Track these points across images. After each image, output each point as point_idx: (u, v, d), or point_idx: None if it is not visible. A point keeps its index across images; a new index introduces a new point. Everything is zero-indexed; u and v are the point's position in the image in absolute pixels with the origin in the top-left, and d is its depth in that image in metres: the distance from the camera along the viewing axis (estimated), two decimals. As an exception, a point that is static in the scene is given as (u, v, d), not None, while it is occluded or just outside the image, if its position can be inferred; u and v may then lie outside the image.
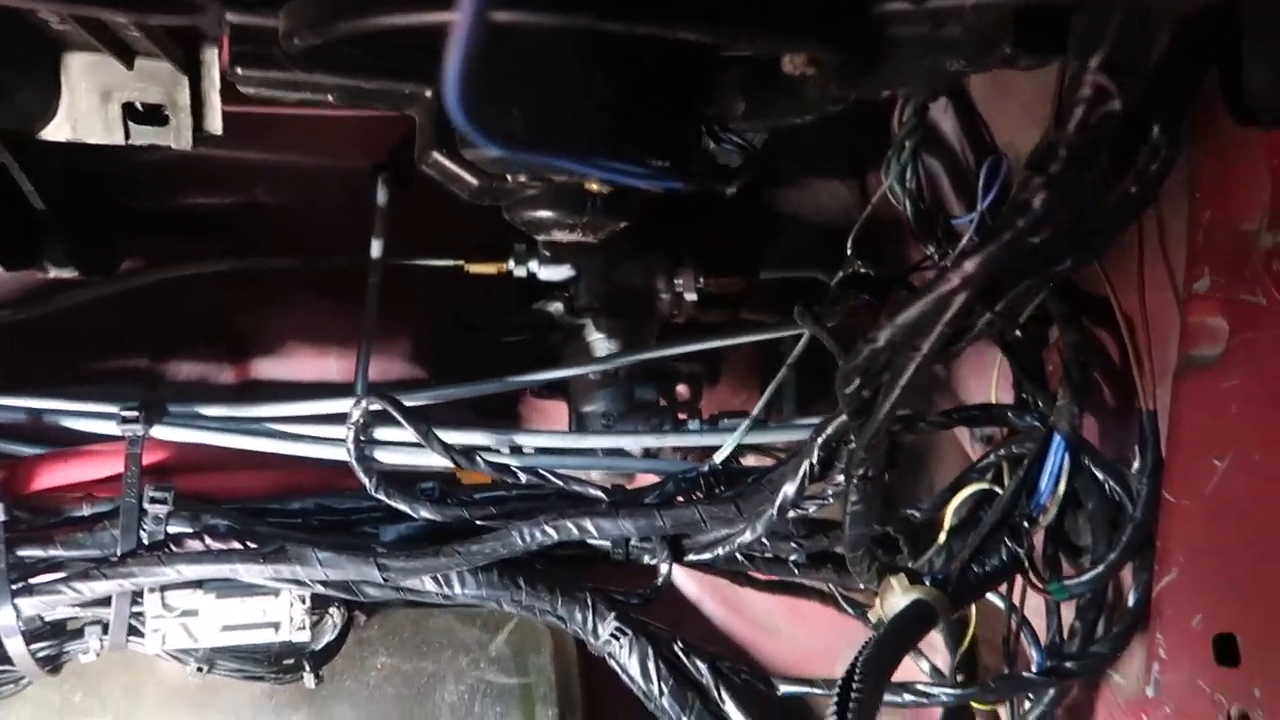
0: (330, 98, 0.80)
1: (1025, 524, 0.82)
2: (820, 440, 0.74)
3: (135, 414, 0.78)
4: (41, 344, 1.13)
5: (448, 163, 0.77)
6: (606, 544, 0.87)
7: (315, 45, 0.72)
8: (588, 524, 0.78)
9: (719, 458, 0.87)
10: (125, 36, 0.81)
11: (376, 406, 0.78)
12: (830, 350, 0.95)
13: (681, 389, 1.16)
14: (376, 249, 1.07)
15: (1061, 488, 0.84)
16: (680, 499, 0.86)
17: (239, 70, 0.73)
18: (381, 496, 0.79)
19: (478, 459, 0.79)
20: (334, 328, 1.27)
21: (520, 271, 1.08)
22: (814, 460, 0.75)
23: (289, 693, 0.93)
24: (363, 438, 0.80)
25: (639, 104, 0.70)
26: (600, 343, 1.04)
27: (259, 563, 0.74)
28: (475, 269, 1.10)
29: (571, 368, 1.00)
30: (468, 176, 0.78)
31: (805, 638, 1.15)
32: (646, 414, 1.04)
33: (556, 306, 1.07)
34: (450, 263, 1.11)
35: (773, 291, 1.20)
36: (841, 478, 0.78)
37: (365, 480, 0.79)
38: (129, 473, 0.76)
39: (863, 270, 1.03)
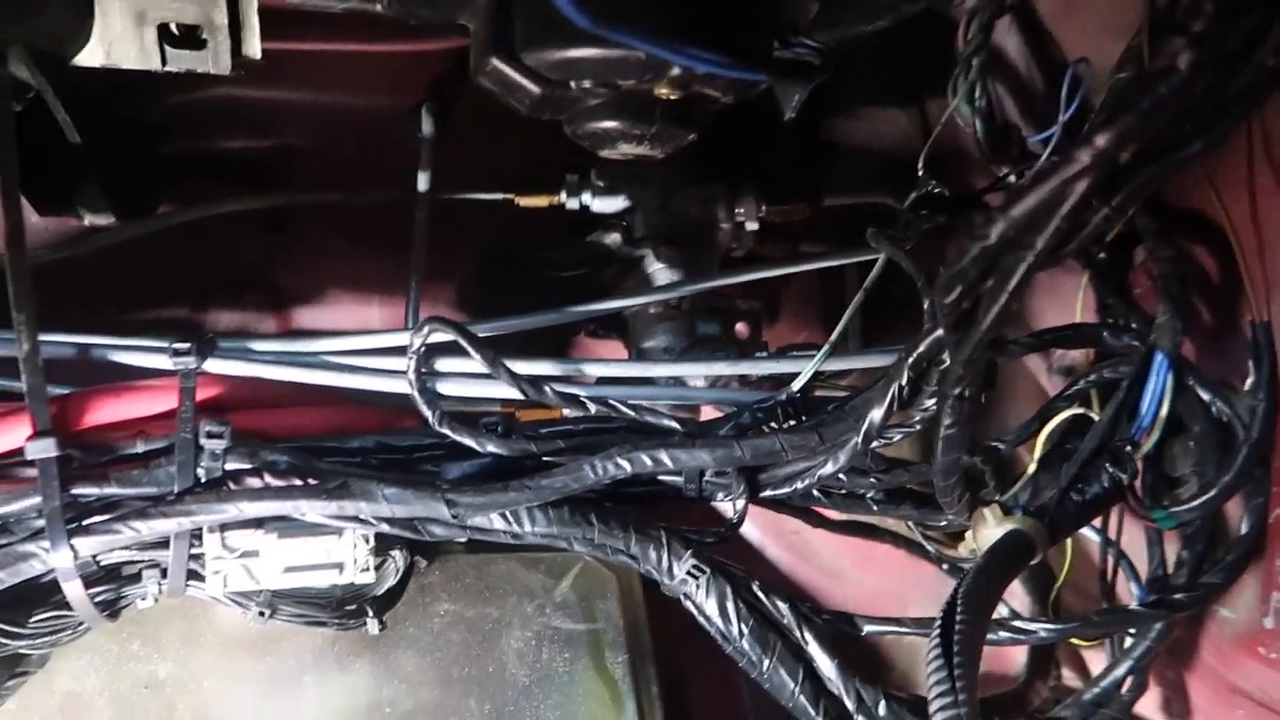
0: (380, 8, 0.76)
1: (1128, 449, 0.76)
2: (911, 360, 0.69)
3: (188, 347, 0.74)
4: (79, 293, 1.10)
5: (508, 70, 0.72)
6: (679, 480, 0.82)
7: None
8: (663, 455, 0.74)
9: (797, 385, 0.82)
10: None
11: (441, 336, 0.74)
12: (909, 273, 0.89)
13: (741, 327, 1.11)
14: (423, 182, 1.02)
15: (1164, 410, 0.79)
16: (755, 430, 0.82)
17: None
18: (446, 431, 0.75)
19: (546, 389, 0.74)
20: (375, 275, 1.23)
21: (573, 204, 1.04)
22: (903, 382, 0.69)
23: (351, 640, 0.90)
24: (424, 369, 0.76)
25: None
26: (661, 273, 0.99)
27: (322, 499, 0.70)
28: (525, 202, 1.05)
29: (634, 298, 0.95)
30: (529, 84, 0.73)
31: (874, 582, 1.11)
32: (710, 348, 0.99)
33: (614, 238, 1.02)
34: (499, 196, 1.06)
35: (832, 225, 1.15)
36: (930, 402, 0.73)
37: (428, 413, 0.74)
38: (183, 407, 0.72)
39: (936, 190, 0.97)
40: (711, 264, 1.04)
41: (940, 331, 0.66)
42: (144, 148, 1.14)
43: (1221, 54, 0.50)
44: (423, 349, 0.74)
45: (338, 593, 0.81)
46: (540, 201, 1.04)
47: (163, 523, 0.68)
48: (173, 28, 0.80)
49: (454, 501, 0.71)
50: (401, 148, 1.09)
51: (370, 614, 0.84)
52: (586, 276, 1.05)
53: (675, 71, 0.69)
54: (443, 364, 0.80)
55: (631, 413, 0.75)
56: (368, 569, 0.77)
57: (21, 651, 0.75)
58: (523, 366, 0.83)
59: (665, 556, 0.79)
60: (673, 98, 0.74)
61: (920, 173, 0.98)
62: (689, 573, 0.79)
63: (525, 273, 1.07)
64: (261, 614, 0.78)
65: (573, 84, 0.73)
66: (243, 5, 0.83)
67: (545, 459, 0.79)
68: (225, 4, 0.82)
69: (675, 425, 0.76)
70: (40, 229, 1.12)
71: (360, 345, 0.86)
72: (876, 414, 0.71)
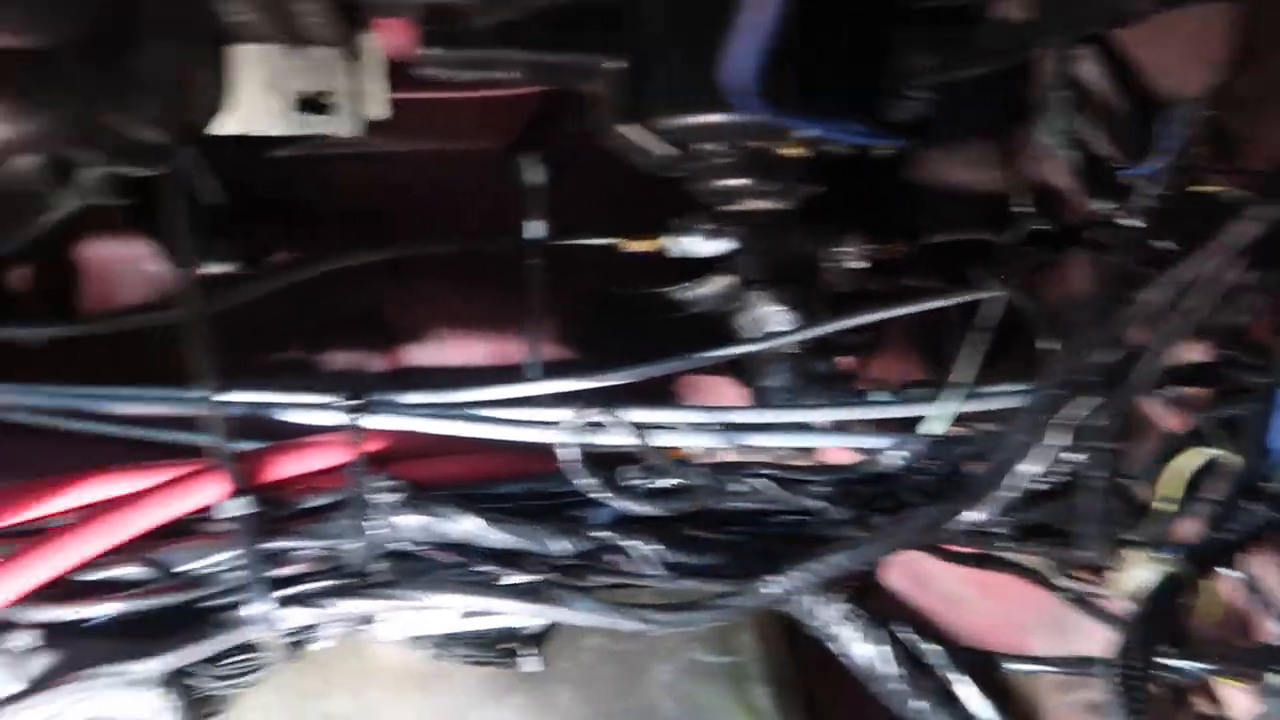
0: (511, 74, 0.79)
1: (1268, 485, 0.78)
2: (1057, 422, 0.71)
3: (356, 404, 0.78)
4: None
5: (636, 135, 0.75)
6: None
7: (506, 22, 0.71)
8: (841, 559, 0.76)
9: (936, 429, 0.84)
10: (302, 23, 0.80)
11: (597, 418, 0.77)
12: (1028, 313, 0.92)
13: (844, 362, 1.14)
14: (534, 230, 1.05)
15: (1297, 444, 0.80)
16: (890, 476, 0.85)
17: (428, 50, 0.72)
18: (598, 496, 0.78)
19: (693, 468, 0.78)
20: (477, 313, 1.27)
21: (676, 249, 1.06)
22: (1053, 440, 0.72)
23: (508, 676, 0.93)
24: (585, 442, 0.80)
25: (848, 63, 0.68)
26: (775, 315, 1.01)
27: (519, 600, 0.74)
28: (631, 247, 1.08)
29: (756, 342, 0.98)
30: (658, 148, 0.76)
31: (992, 609, 1.13)
32: (826, 386, 1.02)
33: (725, 281, 1.04)
34: (605, 241, 1.09)
35: (932, 257, 1.17)
36: (1072, 453, 0.75)
37: (580, 482, 0.78)
38: (355, 461, 0.76)
39: (1040, 227, 0.99)
40: (820, 302, 1.06)
41: (1087, 392, 0.68)
42: (263, 198, 1.18)
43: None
44: (581, 426, 0.77)
45: (496, 633, 0.84)
46: (645, 246, 1.07)
47: (369, 604, 0.72)
48: (303, 94, 0.84)
49: (649, 619, 0.74)
50: (507, 189, 1.12)
51: (530, 651, 0.87)
52: (698, 318, 1.08)
53: (802, 133, 0.72)
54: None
55: (779, 488, 0.78)
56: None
57: (214, 693, 0.78)
58: (642, 415, 0.86)
59: (816, 602, 0.82)
60: (800, 155, 0.76)
61: (1018, 208, 1.00)
62: (836, 616, 0.81)
63: (638, 318, 1.10)
64: (435, 655, 0.82)
65: (701, 146, 0.76)
66: (369, 71, 0.87)
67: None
68: (354, 71, 0.85)
69: (819, 504, 0.79)
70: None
71: (491, 397, 0.89)
72: (1028, 468, 0.73)
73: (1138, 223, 0.94)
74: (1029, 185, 1.05)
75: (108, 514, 0.69)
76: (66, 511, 0.72)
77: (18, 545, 0.69)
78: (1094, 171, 1.02)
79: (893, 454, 0.82)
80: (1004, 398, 0.91)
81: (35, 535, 0.70)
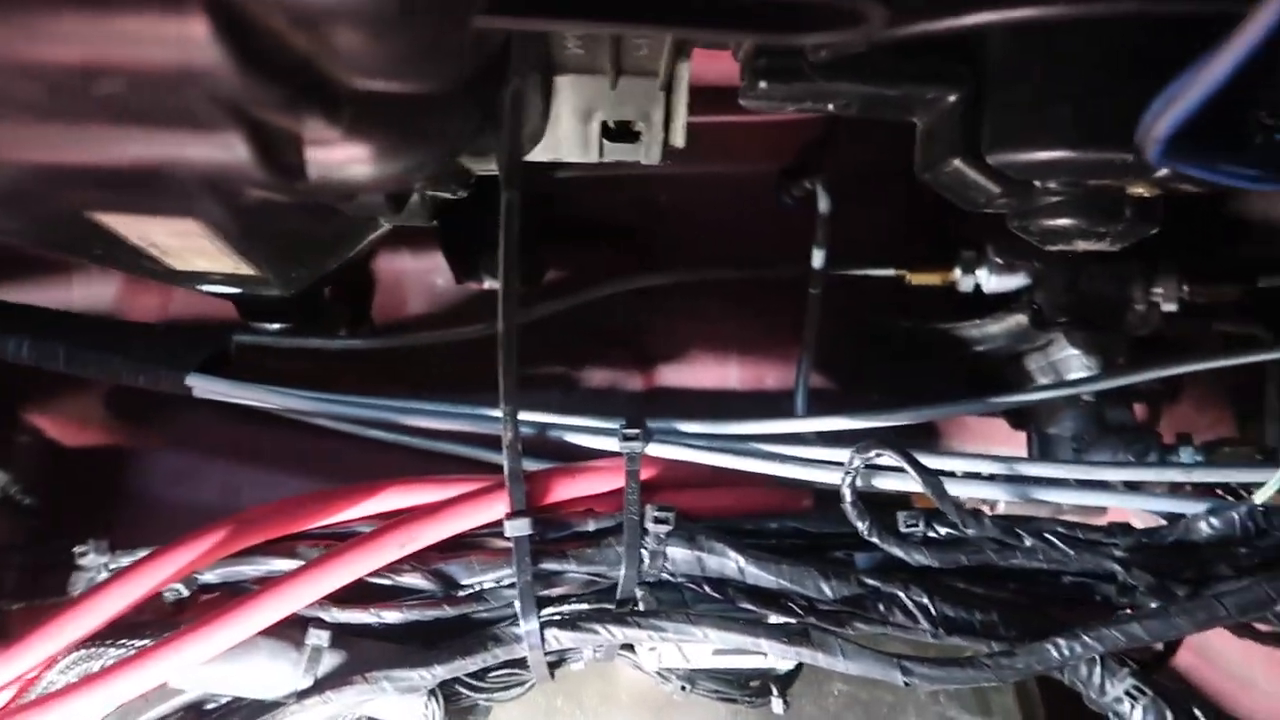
0: (834, 106, 0.76)
1: None
2: None
3: (635, 432, 0.78)
4: (472, 353, 1.19)
5: (970, 171, 0.71)
6: (1109, 591, 0.78)
7: (845, 54, 0.68)
8: (1137, 629, 0.69)
9: (1261, 497, 0.75)
10: (629, 57, 0.81)
11: (887, 459, 0.74)
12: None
13: (1138, 408, 1.04)
14: (818, 259, 1.03)
15: None
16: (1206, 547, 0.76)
17: (763, 84, 0.70)
18: (875, 541, 0.75)
19: (985, 523, 0.73)
20: (732, 336, 1.26)
21: (967, 283, 1.01)
22: None
23: (751, 714, 0.91)
24: (859, 484, 0.77)
25: (1243, 100, 0.60)
26: (1075, 359, 0.94)
27: (782, 641, 0.73)
28: (917, 279, 1.03)
29: (1051, 389, 0.91)
30: (989, 184, 0.71)
31: (1287, 694, 1.00)
32: (1124, 437, 0.93)
33: (1019, 320, 0.98)
34: (891, 272, 1.05)
35: (1250, 300, 1.04)
36: None
37: (860, 525, 0.75)
38: (630, 489, 0.76)
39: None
40: (1122, 346, 0.97)
41: None
42: (536, 215, 1.23)
43: None
44: (860, 466, 0.74)
45: (747, 671, 0.83)
46: (933, 279, 1.02)
47: (635, 633, 0.72)
48: (610, 123, 0.86)
49: (910, 670, 0.71)
50: (766, 212, 1.10)
51: (775, 692, 0.85)
52: (979, 356, 1.02)
53: (1163, 172, 0.65)
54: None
55: (1070, 550, 0.72)
56: (789, 656, 0.78)
57: (478, 703, 0.81)
58: (945, 462, 0.81)
59: (1099, 672, 0.75)
60: (1147, 195, 0.69)
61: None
62: (1127, 693, 0.74)
63: (916, 352, 1.05)
64: (684, 688, 0.81)
65: (1038, 183, 0.70)
66: (674, 100, 0.87)
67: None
68: (663, 100, 0.86)
69: (1116, 569, 0.72)
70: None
71: (762, 431, 0.87)
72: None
73: None
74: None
75: (406, 524, 0.73)
76: (368, 518, 0.77)
77: (325, 546, 0.74)
78: None
79: (1204, 522, 0.73)
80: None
81: (339, 539, 0.75)
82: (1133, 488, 0.91)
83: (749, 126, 1.16)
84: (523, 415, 0.81)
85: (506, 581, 0.75)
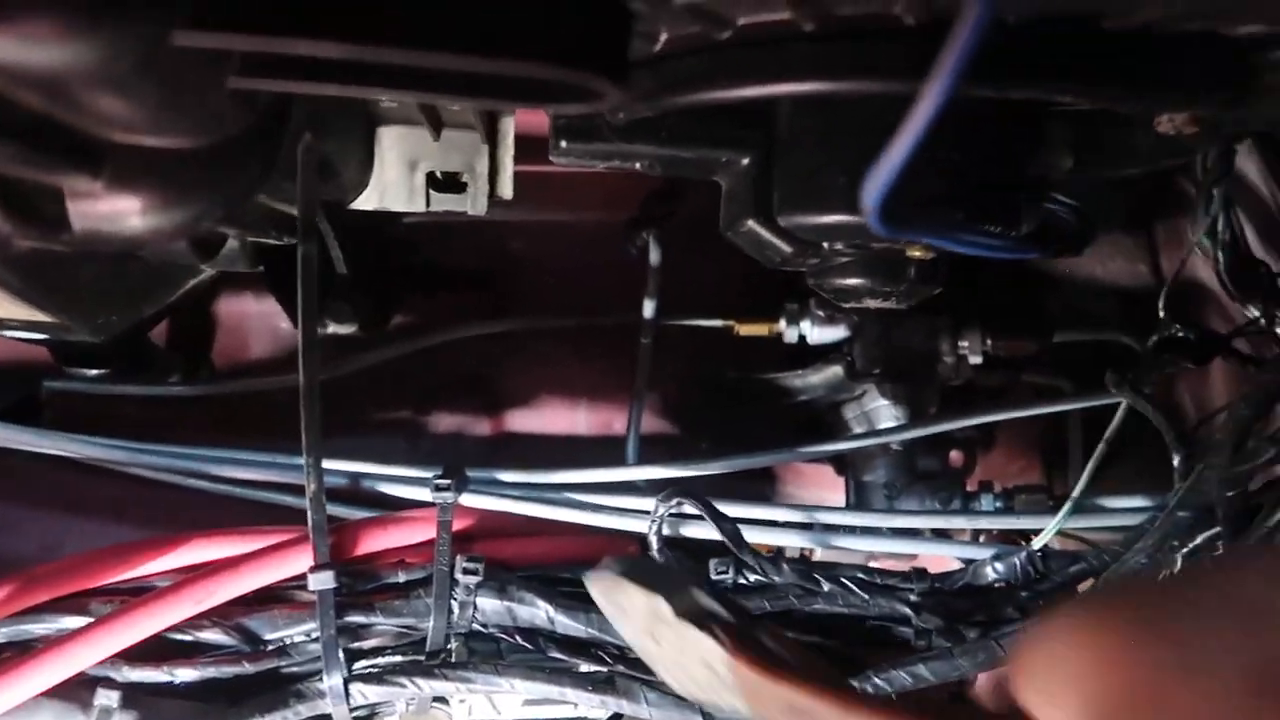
0: (639, 166, 0.80)
1: None
2: (1186, 550, 0.67)
3: (448, 483, 0.79)
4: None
5: (763, 231, 0.74)
6: (907, 633, 0.81)
7: (642, 118, 0.71)
8: (923, 670, 0.73)
9: (1039, 543, 0.80)
10: (442, 110, 0.83)
11: (689, 508, 0.76)
12: (1153, 422, 0.86)
13: (954, 455, 1.09)
14: (649, 309, 1.05)
15: None
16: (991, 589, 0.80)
17: (562, 144, 0.73)
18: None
19: (784, 568, 0.76)
20: (583, 383, 1.27)
21: (791, 334, 1.05)
22: (1175, 571, 0.67)
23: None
24: (664, 532, 0.79)
25: (992, 170, 0.65)
26: (885, 410, 0.98)
27: (587, 690, 0.74)
28: (745, 330, 1.07)
29: (860, 438, 0.95)
30: (781, 244, 0.75)
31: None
32: (932, 485, 0.98)
33: (835, 371, 1.02)
34: (720, 323, 1.08)
35: (1054, 352, 1.11)
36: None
37: (668, 570, 0.77)
38: (440, 540, 0.76)
39: (1180, 334, 0.93)
40: (934, 397, 1.03)
41: (1219, 526, 0.63)
42: (381, 261, 1.23)
43: None
44: (665, 517, 0.76)
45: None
46: (760, 330, 1.06)
47: (443, 685, 0.72)
48: (437, 173, 0.87)
49: (710, 715, 0.73)
50: (617, 261, 1.13)
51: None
52: (804, 404, 1.06)
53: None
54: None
55: (865, 595, 0.75)
56: (598, 706, 0.79)
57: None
58: (753, 511, 0.84)
59: None
60: (926, 258, 0.74)
61: (1162, 313, 0.95)
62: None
63: (745, 401, 1.08)
64: (497, 740, 0.81)
65: (825, 244, 0.74)
66: (500, 152, 0.89)
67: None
68: (487, 153, 0.88)
69: (911, 614, 0.76)
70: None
71: (590, 479, 0.89)
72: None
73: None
74: (1175, 284, 0.99)
75: (204, 578, 0.71)
76: (169, 571, 0.75)
77: (119, 602, 0.72)
78: (1244, 274, 0.96)
79: (990, 567, 0.77)
80: (1123, 515, 0.85)
81: (135, 594, 0.73)
82: (941, 534, 0.96)
83: (598, 176, 1.19)
84: (335, 465, 0.81)
85: (312, 635, 0.74)
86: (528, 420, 1.29)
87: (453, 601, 0.76)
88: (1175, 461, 0.84)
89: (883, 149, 0.45)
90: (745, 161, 0.73)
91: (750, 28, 0.56)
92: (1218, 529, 0.66)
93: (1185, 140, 0.66)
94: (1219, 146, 0.91)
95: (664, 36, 0.59)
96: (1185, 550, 0.69)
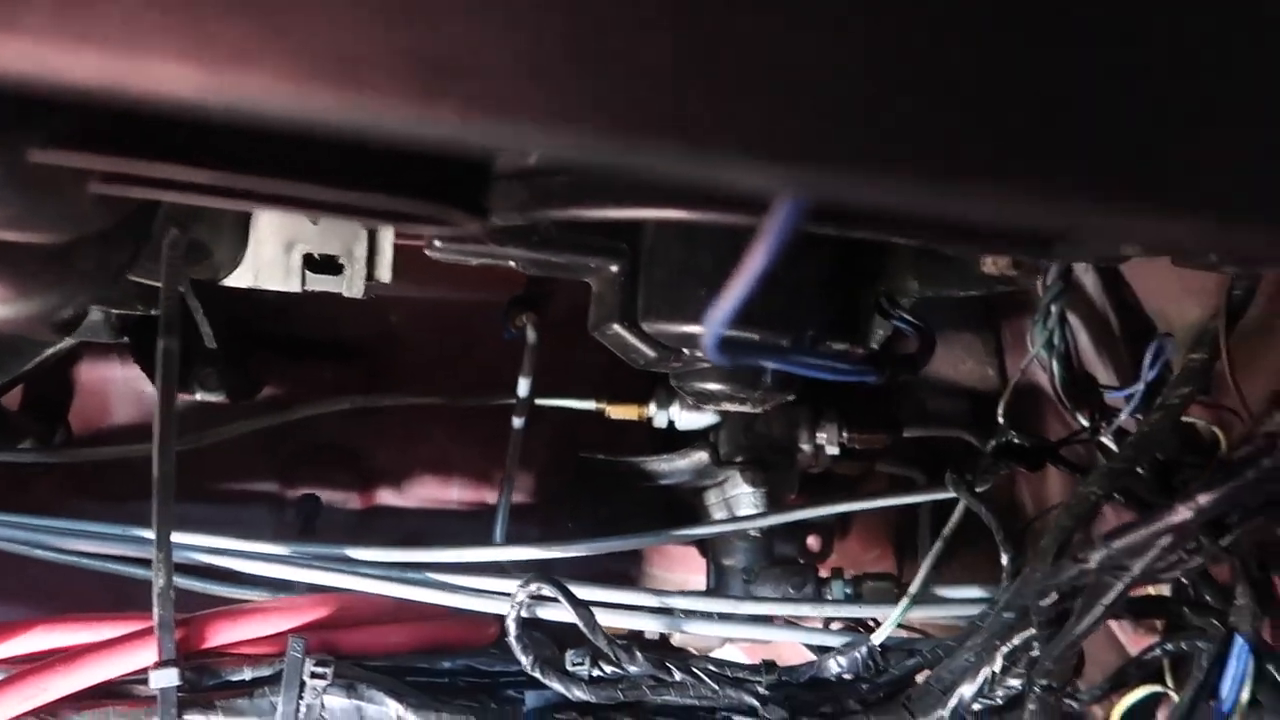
0: (513, 264, 0.82)
1: (1212, 734, 0.77)
2: (1005, 650, 0.72)
3: (309, 557, 0.78)
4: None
5: (627, 335, 0.78)
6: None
7: (515, 225, 0.74)
8: None
9: (878, 639, 0.84)
10: (347, 219, 0.84)
11: (546, 592, 0.78)
12: (985, 522, 0.92)
13: (812, 540, 1.14)
14: (524, 388, 1.07)
15: (1245, 696, 0.79)
16: (836, 681, 0.84)
17: (437, 244, 0.75)
18: (538, 676, 0.78)
19: (637, 654, 0.78)
20: (455, 455, 1.28)
21: (661, 419, 1.08)
22: (996, 669, 0.72)
23: None
24: (524, 615, 0.80)
25: (834, 295, 0.70)
26: (746, 497, 1.02)
27: None
28: (617, 413, 1.09)
29: (720, 524, 0.99)
30: (644, 348, 0.78)
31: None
32: (788, 570, 1.02)
33: (700, 457, 1.06)
34: (591, 405, 1.11)
35: (907, 444, 1.18)
36: (1015, 682, 0.75)
37: (524, 659, 0.78)
38: (293, 641, 0.76)
39: (1015, 440, 1.00)
40: (792, 484, 1.07)
41: (1033, 630, 0.68)
42: (252, 329, 1.22)
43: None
44: (524, 600, 0.78)
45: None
46: (630, 413, 1.09)
47: None
48: (315, 255, 0.88)
49: None
50: (495, 338, 1.14)
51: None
52: (670, 488, 1.09)
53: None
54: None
55: (715, 686, 0.78)
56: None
57: None
58: (595, 593, 0.86)
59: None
60: (778, 369, 0.78)
61: (1000, 420, 1.02)
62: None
63: (612, 482, 1.11)
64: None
65: (686, 350, 0.78)
66: (380, 237, 0.91)
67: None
68: (366, 238, 0.89)
69: (758, 705, 0.79)
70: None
71: (457, 559, 0.90)
72: (967, 691, 0.73)
73: (1111, 445, 0.95)
74: (1016, 391, 1.06)
75: (37, 672, 0.69)
76: (3, 661, 0.73)
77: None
78: (1076, 387, 1.03)
79: (834, 660, 0.81)
80: (961, 605, 0.90)
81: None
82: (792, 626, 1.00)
83: (484, 258, 1.21)
84: (192, 539, 0.80)
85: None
86: (397, 493, 1.28)
87: (300, 702, 0.75)
88: (1004, 561, 0.90)
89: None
90: (613, 269, 0.77)
91: (616, 154, 0.59)
92: (1032, 631, 0.71)
93: (1009, 278, 0.73)
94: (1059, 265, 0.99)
95: (536, 152, 0.62)
96: (1005, 649, 0.74)
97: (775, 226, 0.40)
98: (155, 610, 0.70)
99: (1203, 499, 0.54)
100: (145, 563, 0.90)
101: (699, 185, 0.62)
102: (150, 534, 0.76)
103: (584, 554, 0.96)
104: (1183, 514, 0.55)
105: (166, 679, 0.70)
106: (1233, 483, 0.53)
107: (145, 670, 0.72)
